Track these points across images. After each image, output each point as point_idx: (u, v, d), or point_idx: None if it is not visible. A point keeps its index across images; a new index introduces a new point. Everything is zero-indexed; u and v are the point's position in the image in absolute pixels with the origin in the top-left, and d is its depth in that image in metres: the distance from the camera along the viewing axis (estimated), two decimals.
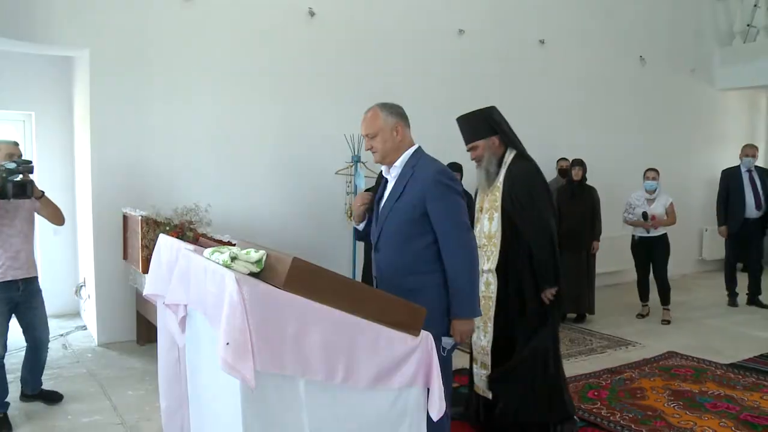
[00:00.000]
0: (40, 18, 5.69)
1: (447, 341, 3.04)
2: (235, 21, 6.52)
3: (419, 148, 3.16)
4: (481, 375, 4.10)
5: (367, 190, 5.93)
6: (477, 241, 3.68)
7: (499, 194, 4.05)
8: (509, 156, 4.11)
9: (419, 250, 3.02)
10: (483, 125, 4.11)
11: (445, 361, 2.99)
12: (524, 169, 4.07)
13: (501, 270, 4.00)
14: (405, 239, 3.03)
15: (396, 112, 3.12)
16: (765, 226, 8.06)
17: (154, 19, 6.15)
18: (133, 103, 6.09)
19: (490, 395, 4.06)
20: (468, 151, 4.16)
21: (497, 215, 4.03)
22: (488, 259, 4.03)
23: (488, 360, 4.05)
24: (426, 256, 3.02)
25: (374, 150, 3.13)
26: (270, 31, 6.73)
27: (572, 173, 7.22)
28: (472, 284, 3.01)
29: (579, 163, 7.23)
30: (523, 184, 4.01)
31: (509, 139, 4.12)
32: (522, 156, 4.11)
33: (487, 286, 4.04)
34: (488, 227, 4.08)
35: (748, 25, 10.47)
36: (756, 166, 8.10)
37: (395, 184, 3.13)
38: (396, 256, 3.06)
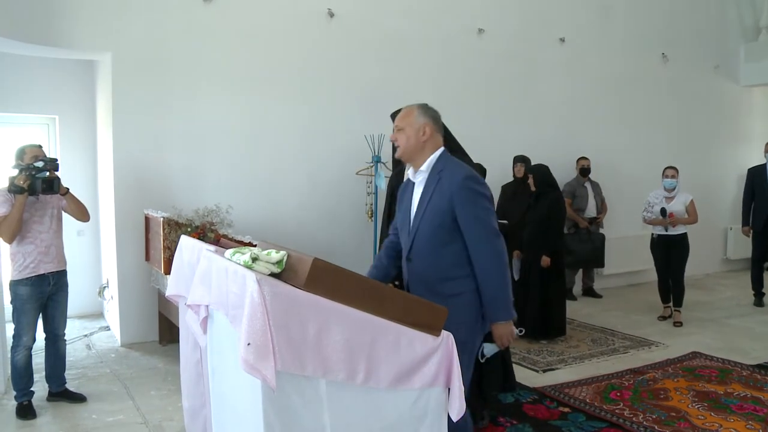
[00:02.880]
0: (62, 23, 5.76)
1: (490, 348, 3.04)
2: (254, 23, 6.56)
3: (445, 151, 3.12)
4: None
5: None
6: None
7: None
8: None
9: (454, 255, 2.98)
10: None
11: (467, 365, 2.97)
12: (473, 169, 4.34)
13: None
14: (439, 245, 2.99)
15: (430, 114, 3.10)
16: None
17: (175, 22, 6.20)
18: (154, 105, 6.16)
19: None
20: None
21: None
22: None
23: None
24: (461, 260, 2.99)
25: (397, 144, 3.12)
26: (289, 33, 6.76)
27: (515, 170, 6.91)
28: (505, 287, 2.95)
29: (521, 159, 6.92)
30: None
31: (449, 138, 4.27)
32: (465, 154, 4.29)
33: None
34: None
35: None
36: None
37: (423, 190, 3.08)
38: (431, 262, 3.02)
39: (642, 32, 9.32)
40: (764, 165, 8.00)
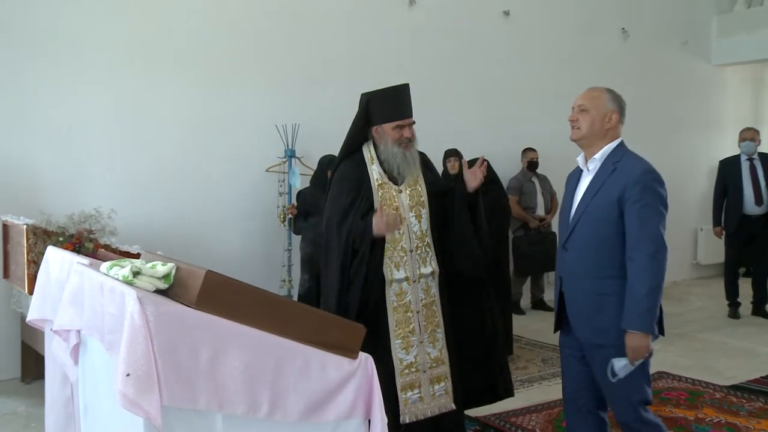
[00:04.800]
0: None
1: (620, 364, 3.19)
2: None
3: (622, 142, 3.43)
4: (433, 392, 4.15)
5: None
6: (408, 245, 4.03)
7: (422, 188, 4.23)
8: None
9: (611, 252, 3.26)
10: None
11: (615, 387, 3.26)
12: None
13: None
14: (598, 239, 3.29)
15: (619, 102, 3.41)
16: None
17: None
18: (10, 84, 6.00)
19: (452, 406, 4.15)
20: (405, 126, 4.12)
21: (425, 212, 4.19)
22: (425, 262, 4.15)
23: (445, 370, 4.14)
24: (617, 260, 3.26)
25: (576, 126, 3.45)
26: (187, 3, 6.71)
27: (447, 166, 6.97)
28: (652, 295, 3.16)
29: (454, 153, 6.99)
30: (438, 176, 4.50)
31: None
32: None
33: (428, 291, 4.16)
34: (418, 226, 4.17)
35: None
36: (760, 153, 8.12)
37: (593, 179, 3.40)
38: (586, 256, 3.35)
39: (598, 4, 9.52)
40: (738, 156, 8.16)
